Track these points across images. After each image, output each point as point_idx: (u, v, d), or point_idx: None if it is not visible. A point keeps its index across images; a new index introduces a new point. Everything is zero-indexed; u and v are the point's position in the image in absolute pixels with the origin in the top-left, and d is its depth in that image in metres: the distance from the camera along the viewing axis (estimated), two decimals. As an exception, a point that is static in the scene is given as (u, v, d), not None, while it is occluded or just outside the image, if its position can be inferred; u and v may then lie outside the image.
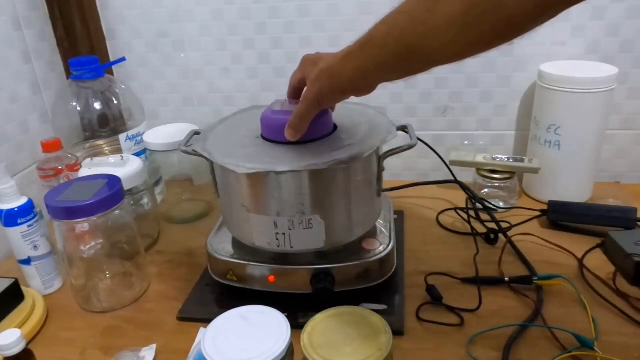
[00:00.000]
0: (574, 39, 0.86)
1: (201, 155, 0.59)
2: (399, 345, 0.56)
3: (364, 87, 0.49)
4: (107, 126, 0.86)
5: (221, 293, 0.66)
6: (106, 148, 0.87)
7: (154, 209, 0.83)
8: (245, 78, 0.97)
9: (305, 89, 0.55)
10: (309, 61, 0.56)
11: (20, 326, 0.60)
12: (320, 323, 0.49)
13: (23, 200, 0.66)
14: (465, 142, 0.96)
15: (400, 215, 0.83)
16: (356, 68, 0.47)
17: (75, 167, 0.78)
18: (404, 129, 0.64)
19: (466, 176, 0.88)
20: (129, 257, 0.70)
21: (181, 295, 0.67)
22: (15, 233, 0.65)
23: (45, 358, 0.58)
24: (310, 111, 0.53)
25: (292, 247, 0.59)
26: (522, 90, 0.91)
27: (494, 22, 0.38)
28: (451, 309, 0.61)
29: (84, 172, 0.73)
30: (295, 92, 0.60)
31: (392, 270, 0.63)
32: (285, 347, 0.44)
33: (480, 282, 0.64)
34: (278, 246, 0.59)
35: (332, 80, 0.49)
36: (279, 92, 0.96)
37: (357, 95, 0.51)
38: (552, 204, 0.80)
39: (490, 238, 0.75)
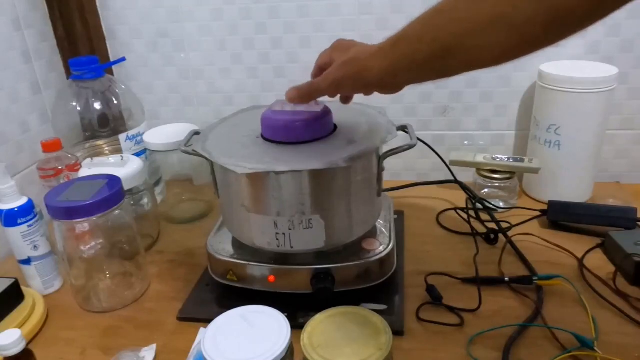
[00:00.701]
0: (574, 39, 0.85)
1: (201, 155, 0.59)
2: (399, 345, 0.56)
3: (392, 85, 0.48)
4: (107, 126, 0.86)
5: (221, 293, 0.66)
6: (106, 148, 0.87)
7: (154, 209, 0.83)
8: (245, 78, 0.97)
9: (329, 69, 0.52)
10: (342, 46, 0.54)
11: (20, 326, 0.60)
12: (320, 323, 0.49)
13: (23, 200, 0.66)
14: (465, 142, 0.96)
15: (400, 215, 0.83)
16: (387, 66, 0.45)
17: (75, 167, 0.78)
18: (404, 129, 0.64)
19: (466, 176, 0.88)
20: (129, 257, 0.70)
21: (181, 295, 0.67)
22: (15, 233, 0.65)
23: (45, 358, 0.58)
24: (324, 91, 0.52)
25: (292, 247, 0.59)
26: (522, 90, 0.91)
27: (547, 21, 0.36)
28: (451, 309, 0.61)
29: (84, 172, 0.73)
30: (320, 73, 0.57)
31: (392, 270, 0.63)
32: (285, 347, 0.44)
33: (480, 282, 0.64)
34: (278, 246, 0.59)
35: (358, 73, 0.48)
36: (279, 92, 0.96)
37: (382, 93, 0.49)
38: (552, 204, 0.79)
39: (490, 238, 0.75)
